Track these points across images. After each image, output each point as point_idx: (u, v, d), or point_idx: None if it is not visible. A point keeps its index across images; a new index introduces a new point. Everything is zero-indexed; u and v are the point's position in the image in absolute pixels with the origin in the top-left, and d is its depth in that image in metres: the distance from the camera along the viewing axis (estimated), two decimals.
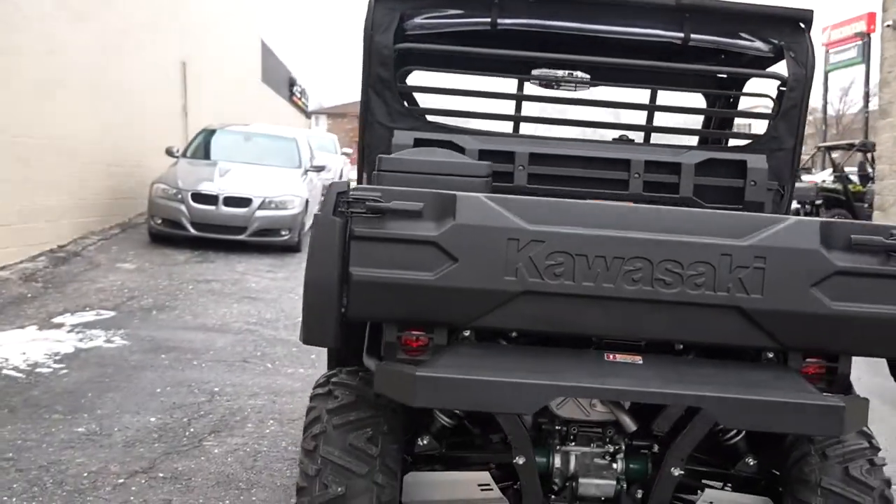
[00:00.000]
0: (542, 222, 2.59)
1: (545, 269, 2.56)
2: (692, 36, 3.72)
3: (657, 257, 2.56)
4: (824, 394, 2.67)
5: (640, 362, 2.66)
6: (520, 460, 2.74)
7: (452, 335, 2.76)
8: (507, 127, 4.05)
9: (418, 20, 3.76)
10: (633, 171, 3.75)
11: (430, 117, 3.84)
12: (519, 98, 3.99)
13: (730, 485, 3.08)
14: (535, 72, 3.87)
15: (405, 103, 3.81)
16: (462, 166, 3.40)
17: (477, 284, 2.57)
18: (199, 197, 11.30)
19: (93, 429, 4.67)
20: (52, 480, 3.96)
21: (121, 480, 4.01)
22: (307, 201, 12.08)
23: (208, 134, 13.48)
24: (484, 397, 2.54)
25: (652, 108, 3.95)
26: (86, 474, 4.05)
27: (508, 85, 4.01)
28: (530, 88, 3.93)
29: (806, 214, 16.25)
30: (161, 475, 4.10)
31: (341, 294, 2.59)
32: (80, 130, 11.30)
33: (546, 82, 3.91)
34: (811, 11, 3.70)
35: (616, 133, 4.16)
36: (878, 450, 2.92)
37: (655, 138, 4.06)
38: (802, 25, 3.69)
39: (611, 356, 2.68)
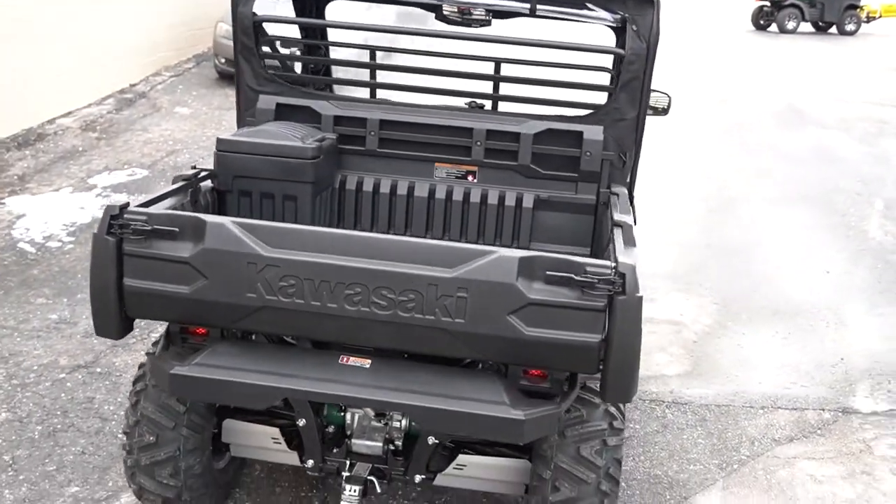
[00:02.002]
0: (279, 247, 2.95)
1: (279, 289, 2.94)
2: (538, 7, 3.83)
3: (372, 284, 2.89)
4: (535, 400, 3.04)
5: (367, 366, 3.08)
6: (301, 422, 3.27)
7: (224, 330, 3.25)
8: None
9: None
10: (476, 139, 3.99)
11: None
12: (372, 67, 4.21)
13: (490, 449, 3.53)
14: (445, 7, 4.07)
15: (269, 70, 4.12)
16: (289, 149, 3.75)
17: (223, 299, 2.99)
18: None
19: (64, 316, 5.45)
20: (5, 373, 4.78)
21: (62, 375, 4.77)
22: None
23: None
24: (224, 395, 3.04)
25: (497, 78, 4.10)
26: (35, 367, 4.83)
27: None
28: (384, 56, 4.15)
29: None
30: (98, 370, 4.86)
31: (120, 298, 3.08)
32: None
33: (449, 18, 4.12)
34: None
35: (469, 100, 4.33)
36: (620, 430, 3.29)
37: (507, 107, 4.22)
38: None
39: (345, 359, 3.10)
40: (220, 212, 3.84)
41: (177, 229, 2.97)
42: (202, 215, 2.99)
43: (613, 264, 2.82)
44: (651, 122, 4.22)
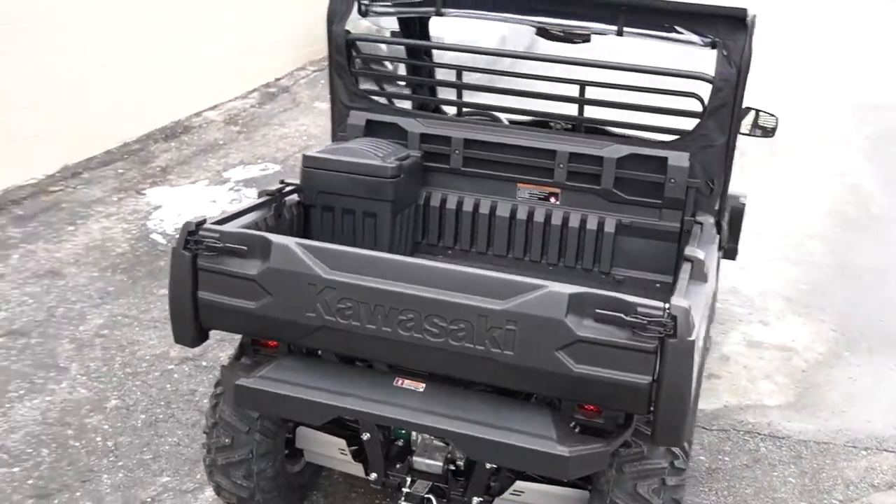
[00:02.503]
0: (338, 270, 3.06)
1: (337, 311, 3.05)
2: (625, 29, 3.78)
3: (424, 311, 2.95)
4: (587, 436, 3.03)
5: (421, 390, 3.14)
6: (364, 436, 3.39)
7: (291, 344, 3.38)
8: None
9: (374, 8, 4.09)
10: (559, 161, 3.97)
11: (380, 99, 4.24)
12: (459, 87, 4.25)
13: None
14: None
15: (361, 86, 4.23)
16: (370, 168, 3.85)
17: (286, 316, 3.12)
18: None
19: None
20: (121, 361, 5.12)
21: (170, 367, 5.08)
22: None
23: None
24: (282, 408, 3.19)
25: (582, 101, 4.06)
26: (148, 357, 5.16)
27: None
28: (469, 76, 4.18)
29: None
30: (204, 364, 5.14)
31: (195, 309, 3.27)
32: None
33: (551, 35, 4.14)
34: (745, 10, 3.60)
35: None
36: (682, 470, 3.23)
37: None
38: (742, 23, 3.61)
39: (400, 381, 3.17)
40: (305, 225, 3.98)
41: (245, 248, 3.12)
42: (269, 235, 3.13)
43: (666, 305, 2.77)
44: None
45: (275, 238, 3.12)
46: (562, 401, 3.08)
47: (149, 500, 3.97)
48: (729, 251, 5.47)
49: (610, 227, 4.00)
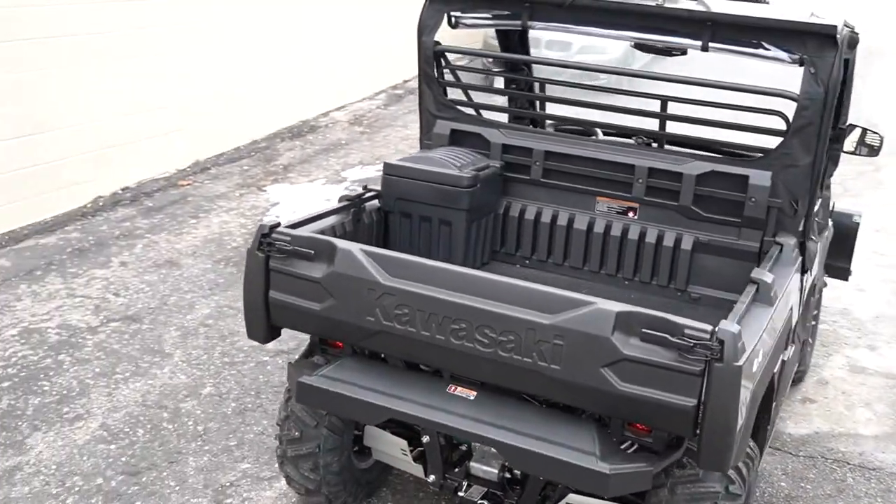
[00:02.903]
0: (396, 277, 3.16)
1: (395, 316, 3.15)
2: (710, 44, 3.73)
3: (476, 321, 3.02)
4: (633, 454, 3.02)
5: (472, 398, 3.20)
6: (425, 438, 3.49)
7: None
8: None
9: (464, 21, 4.18)
10: (637, 176, 3.95)
11: (466, 110, 4.31)
12: (542, 99, 4.27)
13: None
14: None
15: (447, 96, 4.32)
16: (446, 177, 3.94)
17: (347, 319, 3.25)
18: None
19: None
20: (220, 350, 5.40)
21: (265, 358, 5.32)
22: None
23: None
24: (339, 407, 3.32)
25: (663, 116, 4.00)
26: (245, 348, 5.42)
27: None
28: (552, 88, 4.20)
29: None
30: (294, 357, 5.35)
31: (266, 308, 3.44)
32: None
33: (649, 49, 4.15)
34: (835, 27, 3.48)
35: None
36: (737, 496, 3.18)
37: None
38: (832, 40, 3.50)
39: (452, 388, 3.25)
40: (384, 231, 4.10)
41: (312, 251, 3.26)
42: (335, 240, 3.26)
43: (713, 328, 2.73)
44: None
45: (339, 243, 3.25)
46: (610, 418, 3.07)
47: (228, 484, 4.18)
48: (840, 271, 5.28)
49: (687, 244, 3.94)
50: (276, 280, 3.35)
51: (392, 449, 3.77)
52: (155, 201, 8.07)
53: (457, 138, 4.31)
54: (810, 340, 5.40)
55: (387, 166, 4.06)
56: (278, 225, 3.40)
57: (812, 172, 3.68)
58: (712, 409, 2.75)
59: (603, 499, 3.43)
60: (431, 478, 3.56)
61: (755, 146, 3.84)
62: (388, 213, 4.11)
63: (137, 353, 5.32)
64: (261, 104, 9.93)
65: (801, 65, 3.61)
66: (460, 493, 3.56)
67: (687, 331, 2.75)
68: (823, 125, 3.60)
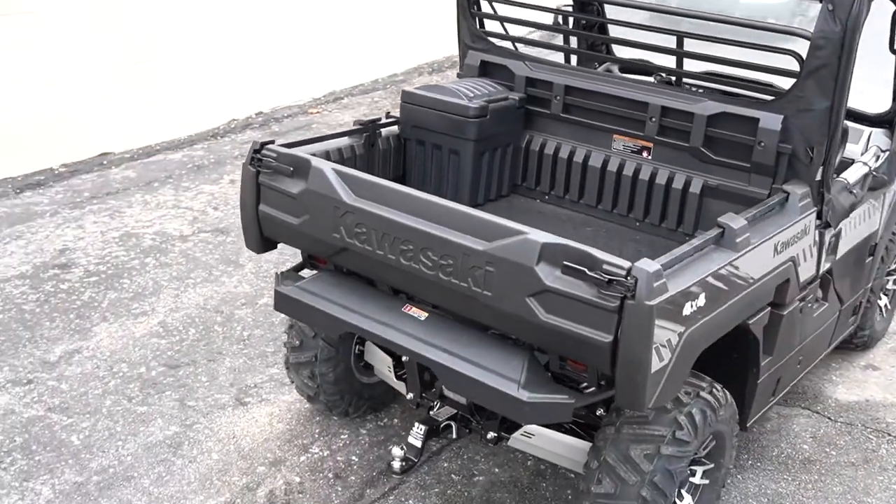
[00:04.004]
0: (359, 197, 3.27)
1: (355, 234, 3.29)
2: None
3: (420, 244, 3.10)
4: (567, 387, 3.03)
5: (423, 319, 3.29)
6: (404, 358, 3.65)
7: None
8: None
9: None
10: (650, 114, 3.84)
11: (496, 41, 4.30)
12: (566, 32, 4.17)
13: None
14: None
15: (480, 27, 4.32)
16: (454, 106, 3.99)
17: (318, 235, 3.41)
18: None
19: None
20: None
21: None
22: None
23: None
24: (306, 317, 3.52)
25: (678, 52, 3.82)
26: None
27: None
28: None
29: None
30: None
31: (258, 220, 3.65)
32: None
33: None
34: None
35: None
36: (685, 442, 3.13)
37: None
38: None
39: (408, 307, 3.34)
40: (401, 157, 4.20)
41: (292, 168, 3.43)
42: (312, 158, 3.40)
43: (630, 265, 2.69)
44: None
45: (314, 161, 3.39)
46: (547, 350, 3.09)
47: (253, 385, 4.49)
48: None
49: (696, 187, 3.80)
50: (264, 194, 3.54)
51: (382, 366, 3.93)
52: (282, 126, 8.51)
53: (487, 70, 4.32)
54: (884, 305, 5.06)
55: (404, 94, 4.14)
56: (271, 142, 3.58)
57: (830, 118, 3.45)
58: (625, 346, 2.72)
59: (560, 430, 3.47)
60: (410, 395, 3.70)
61: (770, 88, 3.62)
62: (406, 141, 4.20)
63: (215, 262, 5.73)
64: (406, 40, 10.15)
65: (819, 1, 3.37)
66: (431, 413, 3.68)
67: (605, 266, 2.72)
68: (842, 67, 3.35)
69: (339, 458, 4.01)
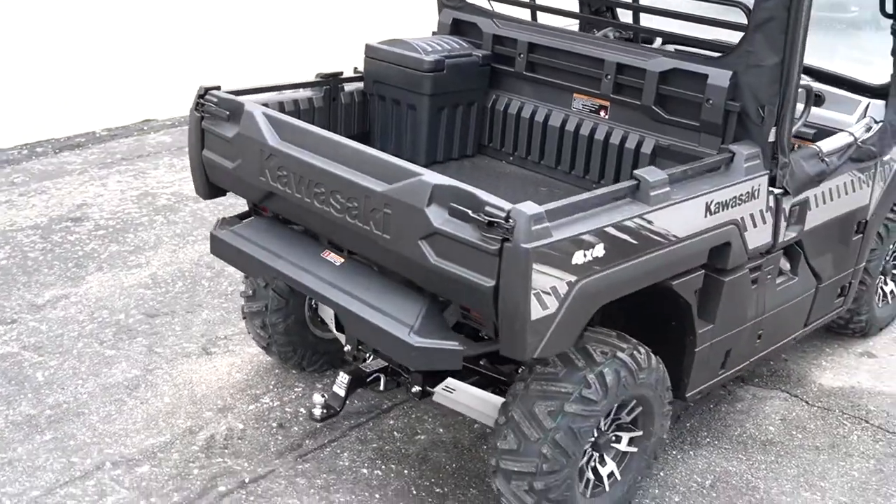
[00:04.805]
0: (283, 140, 3.29)
1: (278, 178, 3.30)
2: None
3: (329, 186, 3.10)
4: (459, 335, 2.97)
5: (338, 264, 3.28)
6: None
7: None
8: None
9: None
10: (606, 71, 3.73)
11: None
12: None
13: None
14: None
15: None
16: (409, 59, 3.96)
17: (248, 179, 3.44)
18: None
19: None
20: None
21: None
22: None
23: None
24: (234, 261, 3.55)
25: (629, 6, 3.70)
26: None
27: None
28: None
29: None
30: None
31: (202, 165, 3.69)
32: None
33: None
34: None
35: None
36: (591, 401, 3.05)
37: None
38: None
39: (326, 253, 3.34)
40: (365, 113, 4.19)
41: (228, 112, 3.47)
42: (246, 102, 3.43)
43: (511, 207, 2.63)
44: None
45: (248, 105, 3.42)
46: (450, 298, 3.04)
47: (223, 337, 4.57)
48: None
49: (647, 148, 3.67)
50: (207, 139, 3.60)
51: (326, 317, 3.94)
52: None
53: (461, 28, 4.28)
54: (889, 291, 4.78)
55: (367, 48, 4.13)
56: (217, 88, 3.62)
57: (781, 75, 3.28)
58: (503, 290, 2.66)
59: (479, 386, 3.42)
60: (347, 347, 3.69)
61: (719, 43, 3.47)
62: (370, 97, 4.19)
63: None
64: None
65: None
66: (362, 365, 3.67)
67: (488, 208, 2.67)
68: (791, 20, 3.19)
69: (287, 410, 4.03)
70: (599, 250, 2.79)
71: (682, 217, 3.07)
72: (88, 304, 4.79)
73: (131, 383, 4.15)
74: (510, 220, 2.60)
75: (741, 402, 4.24)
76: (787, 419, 4.12)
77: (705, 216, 3.17)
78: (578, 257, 2.74)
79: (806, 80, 3.78)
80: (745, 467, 3.78)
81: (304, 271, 3.27)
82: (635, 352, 3.18)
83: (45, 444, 3.72)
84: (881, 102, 4.11)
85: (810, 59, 4.47)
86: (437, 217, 2.77)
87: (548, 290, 2.69)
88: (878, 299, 4.72)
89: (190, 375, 4.24)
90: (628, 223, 2.88)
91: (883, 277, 4.73)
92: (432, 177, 2.82)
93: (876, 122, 4.04)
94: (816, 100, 4.33)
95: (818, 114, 4.30)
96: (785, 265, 3.84)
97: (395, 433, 3.92)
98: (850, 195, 3.97)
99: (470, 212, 2.68)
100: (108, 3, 7.23)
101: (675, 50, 3.91)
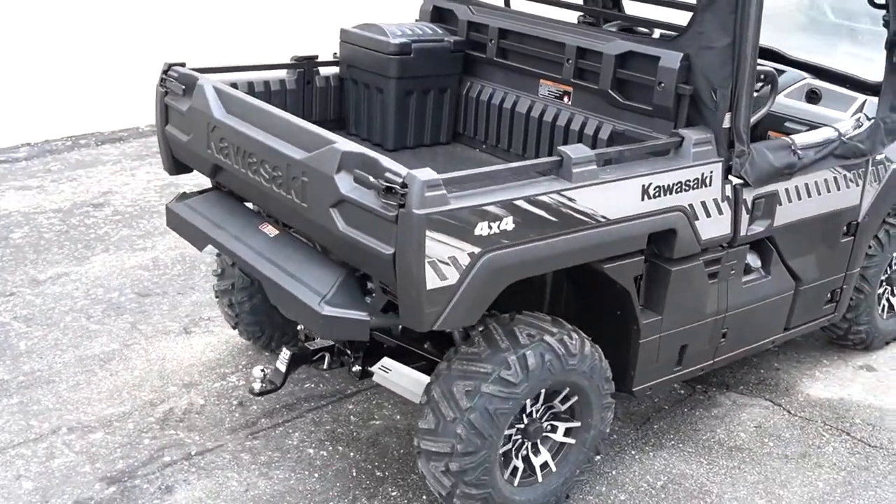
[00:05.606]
0: (228, 113, 3.33)
1: (221, 150, 3.34)
2: None
3: (260, 156, 3.12)
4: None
5: (272, 236, 3.29)
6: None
7: None
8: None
9: None
10: (567, 55, 3.67)
11: None
12: None
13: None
14: None
15: None
16: (376, 43, 3.97)
17: (198, 152, 3.49)
18: None
19: None
20: None
21: None
22: None
23: None
24: (183, 232, 3.60)
25: None
26: None
27: None
28: None
29: None
30: None
31: (167, 141, 3.76)
32: None
33: None
34: None
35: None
36: (510, 383, 2.98)
37: None
38: None
39: (263, 225, 3.35)
40: (340, 97, 4.21)
41: (184, 87, 3.54)
42: (200, 76, 3.49)
43: (406, 172, 2.60)
44: None
45: (200, 79, 3.48)
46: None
47: (206, 318, 4.62)
48: None
49: (604, 134, 3.58)
50: (170, 115, 3.67)
51: None
52: None
53: (441, 16, 4.27)
54: (889, 300, 4.53)
55: (342, 32, 4.15)
56: (181, 64, 3.69)
57: (733, 56, 3.16)
58: (399, 258, 2.63)
59: (414, 366, 3.38)
60: (300, 325, 3.71)
61: (671, 24, 3.36)
62: (344, 82, 4.21)
63: None
64: None
65: None
66: (308, 343, 3.67)
67: (387, 173, 2.64)
68: (741, 0, 3.07)
69: None
70: (508, 223, 2.73)
71: (613, 198, 2.98)
72: (86, 282, 4.93)
73: (107, 356, 4.25)
74: (406, 187, 2.57)
75: (719, 407, 4.06)
76: (762, 427, 3.93)
77: (642, 199, 3.06)
78: (482, 228, 2.68)
79: (768, 65, 3.64)
80: (703, 471, 3.62)
81: (238, 241, 3.29)
82: (566, 337, 3.08)
83: (10, 407, 3.83)
84: (877, 100, 3.92)
85: (810, 58, 4.33)
86: (345, 184, 2.76)
87: (445, 260, 2.64)
88: (883, 311, 4.47)
89: (164, 352, 4.31)
90: (544, 198, 2.80)
91: (890, 288, 4.48)
92: (344, 144, 2.81)
93: (868, 119, 3.85)
94: (813, 97, 4.17)
95: (813, 111, 4.14)
96: (755, 262, 3.67)
97: (351, 417, 3.90)
98: (833, 193, 3.78)
99: (371, 178, 2.66)
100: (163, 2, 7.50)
101: (642, 34, 3.80)
